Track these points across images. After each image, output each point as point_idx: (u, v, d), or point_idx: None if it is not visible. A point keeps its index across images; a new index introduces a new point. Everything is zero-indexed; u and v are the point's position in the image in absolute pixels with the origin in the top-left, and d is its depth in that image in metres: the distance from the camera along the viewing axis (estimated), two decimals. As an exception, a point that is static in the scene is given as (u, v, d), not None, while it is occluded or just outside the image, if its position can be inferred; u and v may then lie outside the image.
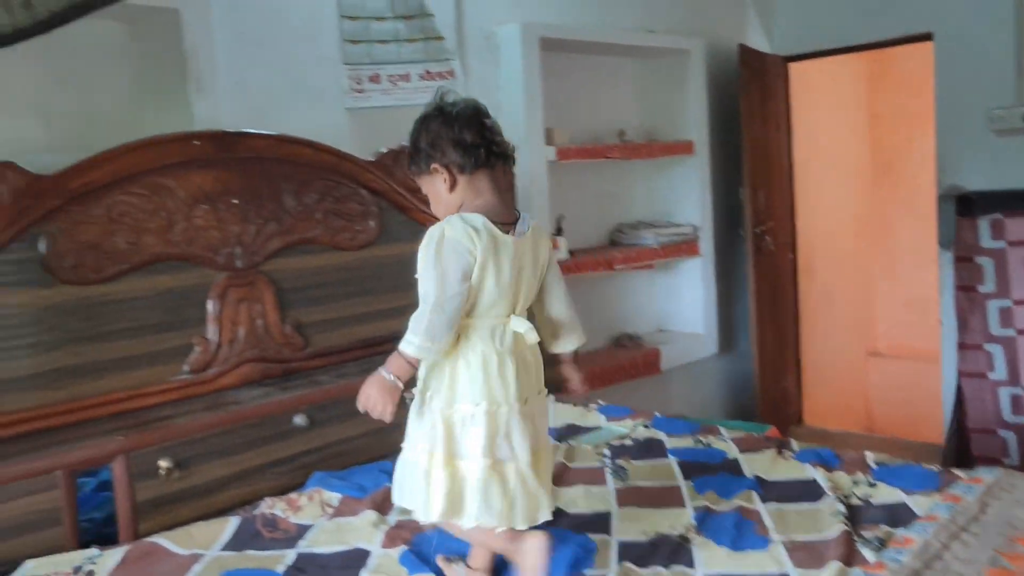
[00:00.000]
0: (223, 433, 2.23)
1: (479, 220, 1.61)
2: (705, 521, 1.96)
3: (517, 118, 3.56)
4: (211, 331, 2.43)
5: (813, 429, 4.83)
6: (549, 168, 3.65)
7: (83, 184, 2.18)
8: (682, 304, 4.44)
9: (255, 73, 2.90)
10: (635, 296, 4.37)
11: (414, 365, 1.65)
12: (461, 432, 1.63)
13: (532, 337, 1.68)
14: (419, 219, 2.90)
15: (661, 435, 2.60)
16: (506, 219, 1.67)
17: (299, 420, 2.36)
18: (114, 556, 1.91)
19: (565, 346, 1.87)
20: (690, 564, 1.79)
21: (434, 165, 1.68)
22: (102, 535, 2.07)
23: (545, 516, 1.69)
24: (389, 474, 2.31)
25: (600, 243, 4.25)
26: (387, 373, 1.65)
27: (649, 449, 2.49)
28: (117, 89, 2.71)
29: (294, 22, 2.98)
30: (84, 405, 2.20)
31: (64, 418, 2.17)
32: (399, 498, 1.73)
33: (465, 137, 1.66)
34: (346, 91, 3.09)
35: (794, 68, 4.72)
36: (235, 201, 2.46)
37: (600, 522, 2.02)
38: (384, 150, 2.86)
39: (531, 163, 3.53)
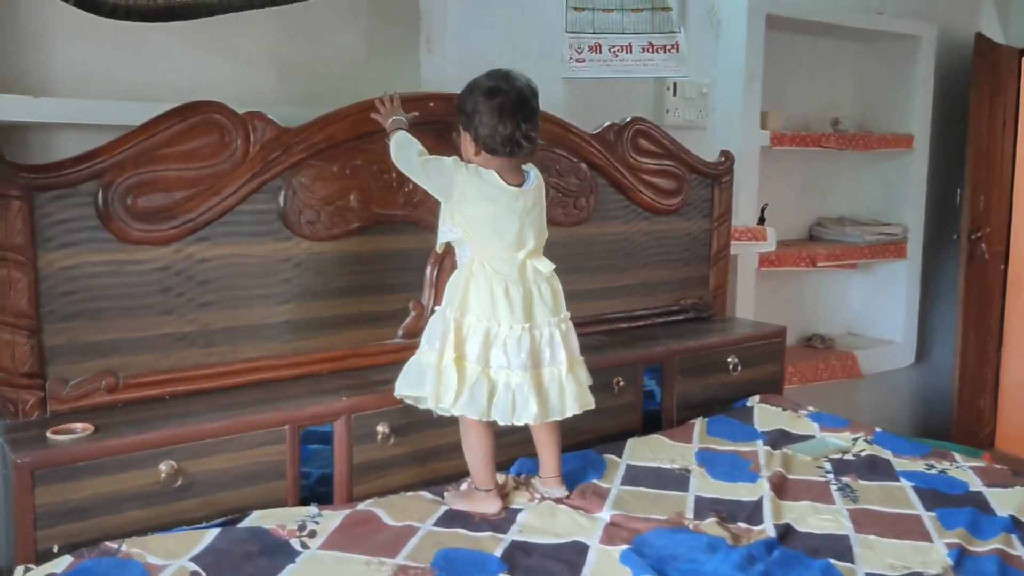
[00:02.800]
0: (437, 403, 2.19)
1: (480, 170, 1.95)
2: (963, 563, 1.78)
3: (733, 98, 3.38)
4: (426, 296, 2.39)
5: (1006, 455, 4.47)
6: (760, 153, 3.46)
7: (324, 138, 2.15)
8: (879, 308, 4.16)
9: (479, 35, 2.83)
10: (830, 295, 4.13)
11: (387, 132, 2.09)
12: (466, 336, 1.92)
13: (544, 267, 1.99)
14: (636, 200, 2.79)
15: (887, 454, 2.40)
16: (513, 181, 1.97)
17: (510, 398, 2.29)
18: (334, 518, 1.90)
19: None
20: (956, 611, 1.62)
21: (469, 135, 1.96)
22: (316, 493, 2.07)
23: (529, 419, 1.94)
24: (595, 467, 2.26)
25: (798, 236, 4.03)
26: (387, 122, 2.11)
27: (876, 468, 2.30)
28: (349, 44, 2.70)
29: (523, -15, 2.90)
30: (306, 360, 2.21)
31: (289, 371, 2.18)
32: (402, 388, 2.00)
33: (500, 129, 1.91)
34: (566, 59, 2.98)
35: (1028, 63, 4.31)
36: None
37: (839, 548, 1.86)
38: (607, 123, 2.74)
39: (743, 147, 3.35)
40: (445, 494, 2.07)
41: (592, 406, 2.07)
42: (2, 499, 1.75)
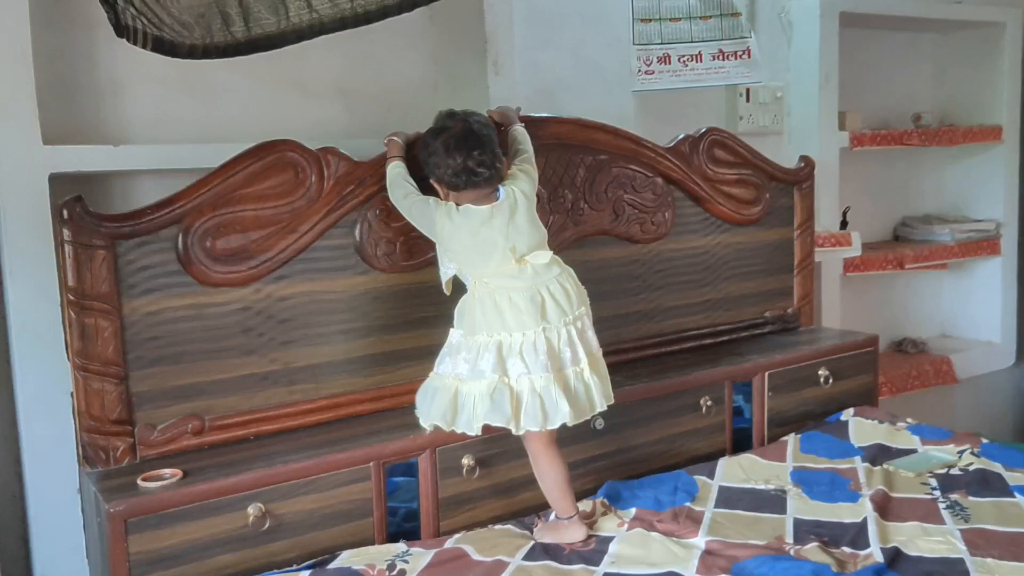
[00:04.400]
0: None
1: (459, 208, 1.95)
2: (1093, 585, 1.67)
3: (809, 101, 3.28)
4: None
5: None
6: (840, 156, 3.35)
7: (397, 170, 2.13)
8: (973, 308, 3.99)
9: (546, 55, 2.80)
10: (919, 297, 3.97)
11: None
12: (475, 358, 1.89)
13: (542, 258, 1.95)
14: (715, 212, 2.71)
15: (997, 467, 2.27)
16: (486, 202, 1.97)
17: (597, 423, 2.24)
18: (424, 556, 1.87)
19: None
20: (1091, 642, 1.50)
21: (432, 179, 2.00)
22: (402, 528, 2.05)
23: (563, 420, 1.89)
24: (686, 489, 2.19)
25: (882, 238, 3.89)
26: (388, 150, 2.11)
27: (987, 484, 2.18)
28: (415, 71, 2.69)
29: (587, 2, 2.85)
30: (389, 393, 2.19)
31: (372, 405, 2.16)
32: (417, 410, 1.98)
33: (451, 163, 1.93)
34: (635, 72, 2.93)
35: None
36: (535, 189, 2.37)
37: (954, 573, 1.75)
38: (681, 135, 2.68)
39: (822, 150, 3.24)
40: (535, 528, 2.03)
41: (611, 401, 2.01)
42: (98, 547, 1.77)
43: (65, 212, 1.81)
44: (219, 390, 2.00)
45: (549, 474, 1.99)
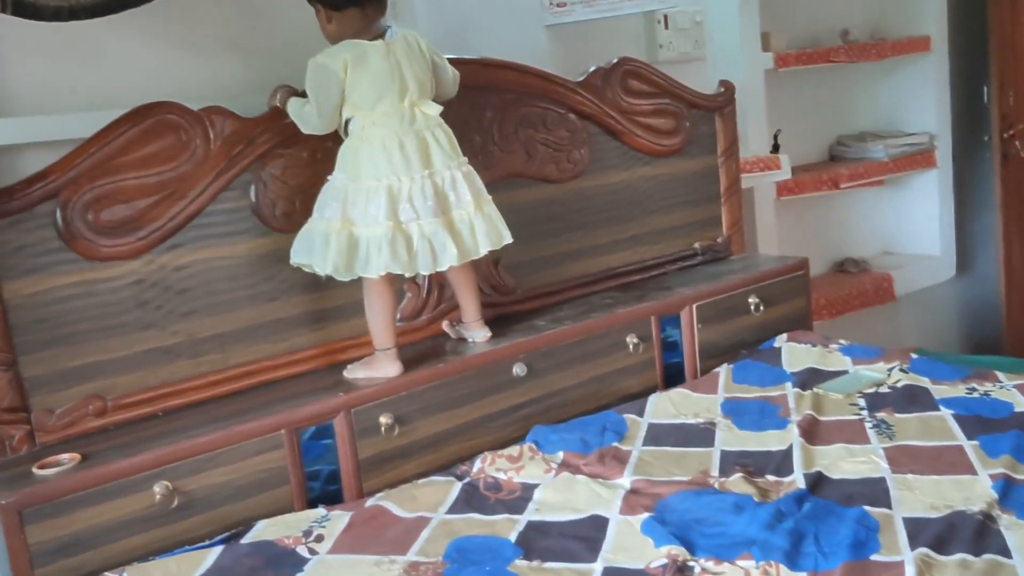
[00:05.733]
0: (441, 385, 2.10)
1: (345, 43, 1.97)
2: (1009, 494, 1.65)
3: (730, 23, 3.20)
4: (420, 276, 2.28)
5: (1064, 360, 4.27)
6: (766, 77, 3.28)
7: (289, 124, 2.04)
8: (913, 223, 3.97)
9: (451, -7, 2.69)
10: (858, 216, 3.94)
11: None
12: (364, 202, 1.92)
13: (432, 110, 2.00)
14: (634, 144, 2.65)
15: (924, 381, 2.26)
16: (374, 37, 1.99)
17: (518, 370, 2.20)
18: (341, 519, 1.83)
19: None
20: (1004, 551, 1.49)
21: (315, 3, 2.03)
22: (327, 492, 2.00)
23: (451, 262, 1.99)
24: (615, 429, 2.15)
25: (819, 159, 3.84)
26: (279, 100, 2.06)
27: (913, 399, 2.16)
28: (314, 21, 2.57)
29: (491, -67, 2.74)
30: (302, 357, 2.13)
31: (286, 371, 2.10)
32: (296, 256, 2.00)
33: None
34: (546, 6, 2.82)
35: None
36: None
37: (874, 492, 1.74)
38: (593, 68, 2.60)
39: (745, 73, 3.17)
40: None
41: (507, 240, 2.09)
42: (-3, 541, 1.71)
43: (-74, 193, 1.72)
44: (120, 368, 1.92)
45: (378, 305, 2.05)
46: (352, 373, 2.08)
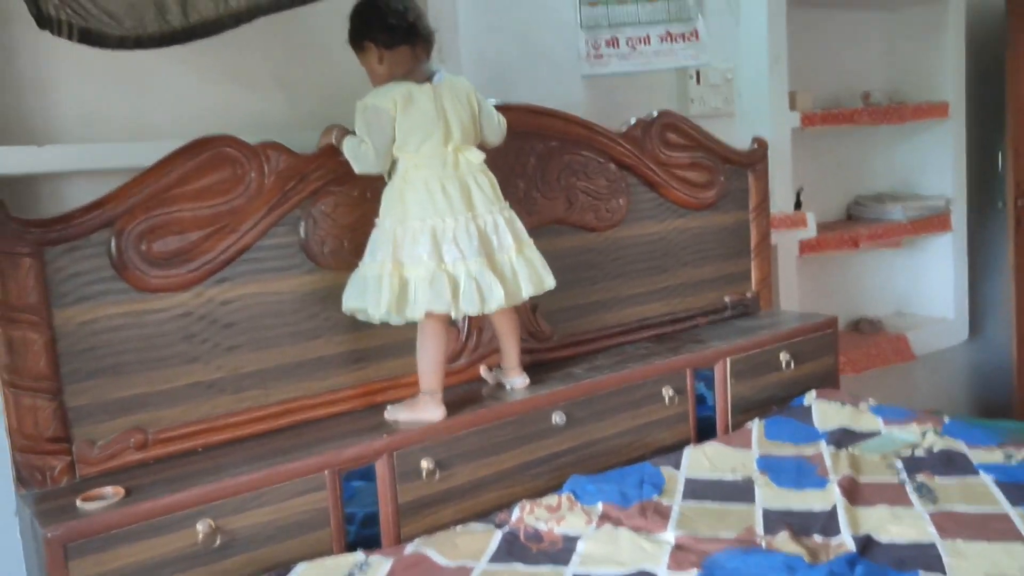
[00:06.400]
0: (482, 431, 2.08)
1: (392, 84, 1.99)
2: (1064, 564, 1.65)
3: (759, 82, 3.24)
4: (460, 320, 2.28)
5: (1072, 426, 4.29)
6: (792, 136, 3.32)
7: (341, 162, 2.04)
8: (926, 285, 4.00)
9: (491, 40, 2.72)
10: (874, 276, 3.97)
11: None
12: (411, 243, 1.93)
13: (475, 157, 2.02)
14: (670, 196, 2.66)
15: (960, 445, 2.26)
16: (423, 80, 2.02)
17: (557, 418, 2.18)
18: (383, 565, 1.79)
19: None
20: (1066, 624, 1.48)
21: (366, 42, 2.02)
22: (361, 536, 1.97)
23: (498, 304, 1.98)
24: (652, 482, 2.14)
25: (836, 217, 3.88)
26: (335, 138, 2.06)
27: (951, 463, 2.16)
28: (357, 62, 2.59)
29: (533, -15, 2.78)
30: (343, 396, 2.11)
31: (326, 410, 2.08)
32: (348, 301, 1.99)
33: (389, 20, 1.99)
34: (583, 57, 2.86)
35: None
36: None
37: (926, 558, 1.72)
38: (633, 120, 2.62)
39: (774, 130, 3.21)
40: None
41: (550, 285, 2.10)
42: (38, 574, 1.67)
43: (-15, 219, 1.70)
44: (162, 401, 1.90)
45: (431, 347, 2.04)
46: (393, 415, 2.06)
